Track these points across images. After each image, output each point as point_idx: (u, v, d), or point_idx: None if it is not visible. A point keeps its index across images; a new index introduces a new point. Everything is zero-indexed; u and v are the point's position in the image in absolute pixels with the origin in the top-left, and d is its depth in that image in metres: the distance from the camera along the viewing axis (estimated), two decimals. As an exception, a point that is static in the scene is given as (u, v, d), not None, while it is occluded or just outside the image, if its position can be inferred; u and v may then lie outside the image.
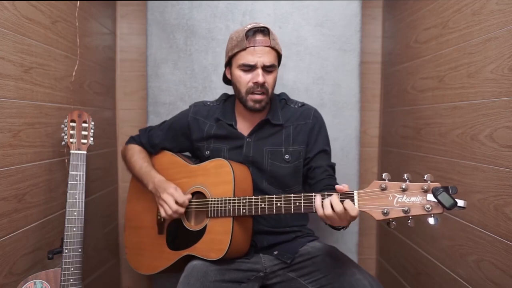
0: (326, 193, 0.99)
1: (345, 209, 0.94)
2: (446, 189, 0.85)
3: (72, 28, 1.49)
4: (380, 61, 2.02)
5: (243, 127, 1.33)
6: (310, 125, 1.31)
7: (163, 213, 1.23)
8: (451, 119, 1.34)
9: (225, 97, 1.42)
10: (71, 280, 1.16)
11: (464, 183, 1.26)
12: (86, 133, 1.27)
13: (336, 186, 0.99)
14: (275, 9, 1.72)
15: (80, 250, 1.18)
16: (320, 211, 0.98)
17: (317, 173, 1.27)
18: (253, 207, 1.11)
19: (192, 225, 1.26)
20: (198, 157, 1.39)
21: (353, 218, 0.95)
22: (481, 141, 1.18)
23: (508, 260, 1.07)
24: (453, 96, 1.33)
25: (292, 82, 1.73)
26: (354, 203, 0.94)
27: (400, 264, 1.77)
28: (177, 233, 1.28)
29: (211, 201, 1.19)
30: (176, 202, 1.20)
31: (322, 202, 0.98)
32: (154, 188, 1.27)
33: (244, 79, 1.22)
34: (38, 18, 1.26)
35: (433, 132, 1.46)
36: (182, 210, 1.22)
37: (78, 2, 1.53)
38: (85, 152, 1.25)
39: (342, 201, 0.95)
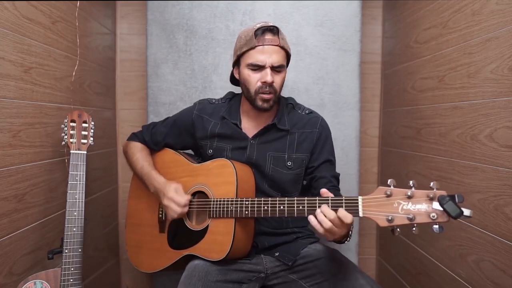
0: (330, 198, 0.98)
1: (339, 218, 0.92)
2: (452, 197, 0.83)
3: (72, 28, 1.49)
4: (380, 61, 2.02)
5: (248, 127, 1.32)
6: (316, 134, 1.30)
7: (169, 217, 1.23)
8: (451, 119, 1.34)
9: (231, 96, 1.41)
10: (71, 280, 1.16)
11: (464, 183, 1.26)
12: (86, 133, 1.27)
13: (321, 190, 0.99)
14: (275, 9, 1.72)
15: (80, 250, 1.18)
16: (318, 226, 0.95)
17: (320, 183, 1.26)
18: (255, 209, 1.10)
19: (193, 225, 1.26)
20: (200, 155, 1.39)
21: (349, 225, 0.94)
22: (481, 141, 1.18)
23: (508, 260, 1.07)
24: (453, 96, 1.33)
25: (292, 82, 1.73)
26: (358, 209, 0.93)
27: (400, 264, 1.77)
28: (179, 232, 1.28)
29: (213, 201, 1.19)
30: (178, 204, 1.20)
31: (315, 216, 0.96)
32: (155, 192, 1.27)
33: (253, 78, 1.21)
34: (38, 18, 1.26)
35: (433, 132, 1.46)
36: (185, 209, 1.21)
37: (78, 2, 1.53)
38: (85, 152, 1.25)
39: (335, 210, 0.94)
